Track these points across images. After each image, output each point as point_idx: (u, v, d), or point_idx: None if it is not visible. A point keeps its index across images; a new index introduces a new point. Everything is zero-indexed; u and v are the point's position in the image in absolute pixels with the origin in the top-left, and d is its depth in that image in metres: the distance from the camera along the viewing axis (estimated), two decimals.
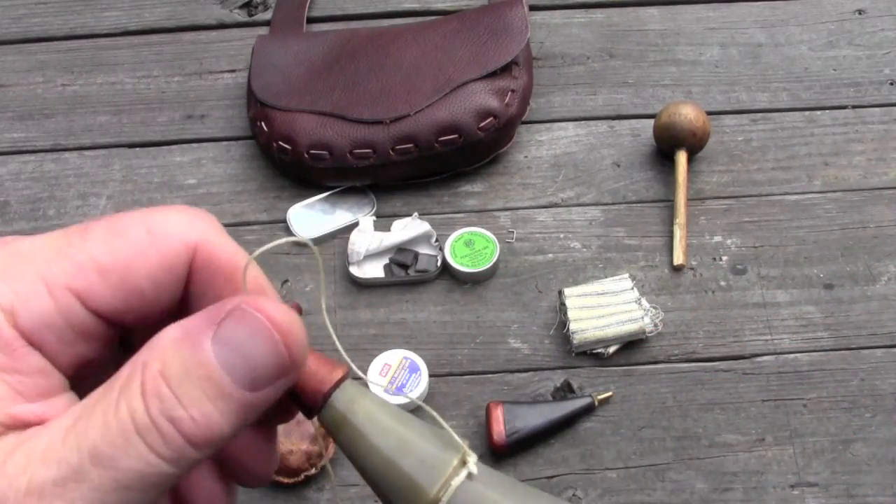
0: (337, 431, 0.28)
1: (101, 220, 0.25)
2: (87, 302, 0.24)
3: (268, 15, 0.97)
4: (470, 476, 0.28)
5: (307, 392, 0.27)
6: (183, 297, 0.27)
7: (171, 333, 0.23)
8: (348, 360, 0.29)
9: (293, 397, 0.27)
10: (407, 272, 0.77)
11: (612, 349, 0.72)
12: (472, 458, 0.28)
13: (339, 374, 0.28)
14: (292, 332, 0.24)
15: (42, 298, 0.24)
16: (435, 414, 0.30)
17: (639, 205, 0.82)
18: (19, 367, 0.23)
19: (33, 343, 0.23)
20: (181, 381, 0.22)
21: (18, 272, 0.24)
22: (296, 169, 0.82)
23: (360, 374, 0.29)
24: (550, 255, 0.79)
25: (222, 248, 0.26)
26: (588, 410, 0.70)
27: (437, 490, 0.27)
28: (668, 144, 0.82)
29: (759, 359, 0.73)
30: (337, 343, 0.30)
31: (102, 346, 0.26)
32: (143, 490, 0.22)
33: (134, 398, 0.22)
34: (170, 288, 0.26)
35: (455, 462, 0.27)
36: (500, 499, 0.27)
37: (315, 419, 0.28)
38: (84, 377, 0.25)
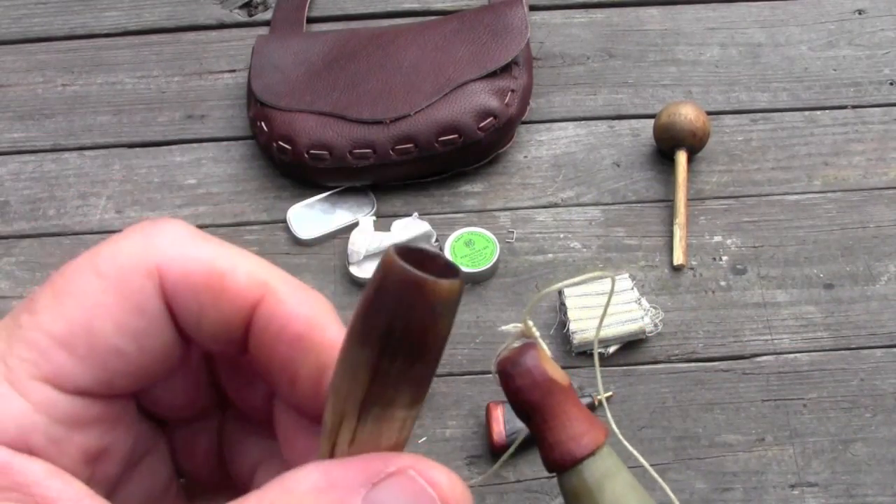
0: (574, 498, 0.24)
1: (45, 283, 0.21)
2: (63, 385, 0.20)
3: (268, 15, 0.97)
4: None
5: (555, 446, 0.22)
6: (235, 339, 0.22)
7: (311, 478, 0.19)
8: (611, 420, 0.24)
9: (532, 430, 0.23)
10: None
11: (612, 349, 0.72)
12: None
13: (599, 437, 0.23)
14: None
15: (11, 402, 0.19)
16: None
17: (639, 205, 0.82)
18: (20, 483, 0.19)
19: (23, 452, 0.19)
20: None
21: None
22: (296, 169, 0.82)
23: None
24: (550, 255, 0.79)
25: (244, 277, 0.21)
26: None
27: None
28: (668, 144, 0.82)
29: (759, 359, 0.73)
30: (604, 403, 0.23)
31: (111, 424, 0.21)
32: None
33: None
34: (154, 334, 0.21)
35: None
36: None
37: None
38: (107, 460, 0.21)
